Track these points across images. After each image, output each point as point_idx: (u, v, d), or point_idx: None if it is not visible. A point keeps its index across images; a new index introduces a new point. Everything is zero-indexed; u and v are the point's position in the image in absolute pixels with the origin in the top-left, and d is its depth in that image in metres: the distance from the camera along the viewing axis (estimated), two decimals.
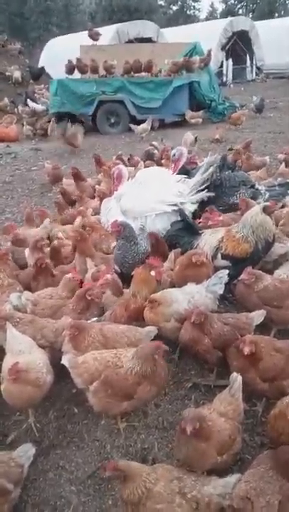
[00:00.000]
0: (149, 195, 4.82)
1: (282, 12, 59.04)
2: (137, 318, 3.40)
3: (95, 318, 3.41)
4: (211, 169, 4.75)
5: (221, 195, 5.03)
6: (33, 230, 5.43)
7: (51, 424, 3.09)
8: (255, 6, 63.38)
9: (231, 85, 26.81)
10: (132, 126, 13.03)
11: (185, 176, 5.21)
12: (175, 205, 4.73)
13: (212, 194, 4.80)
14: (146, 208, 4.80)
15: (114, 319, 3.39)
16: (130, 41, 22.30)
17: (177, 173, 5.45)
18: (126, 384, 2.63)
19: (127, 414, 2.98)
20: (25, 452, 2.55)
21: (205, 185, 4.92)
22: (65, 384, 3.22)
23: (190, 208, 4.73)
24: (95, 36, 16.27)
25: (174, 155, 5.76)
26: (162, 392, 3.15)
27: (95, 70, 15.00)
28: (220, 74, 26.45)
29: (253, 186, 5.27)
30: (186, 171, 5.56)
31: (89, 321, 3.29)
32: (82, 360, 2.76)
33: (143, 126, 12.92)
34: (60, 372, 2.96)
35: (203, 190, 4.96)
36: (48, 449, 2.91)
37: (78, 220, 5.39)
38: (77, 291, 3.50)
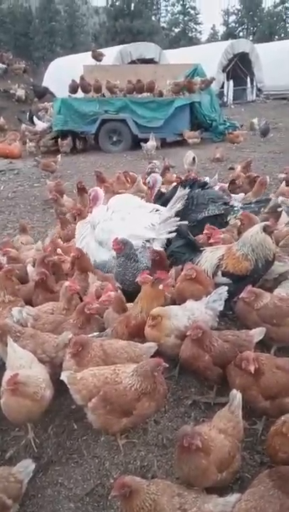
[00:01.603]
0: (122, 227, 4.82)
1: (282, 35, 60.18)
2: (138, 334, 3.41)
3: (95, 334, 3.42)
4: (179, 205, 4.83)
5: (189, 212, 5.13)
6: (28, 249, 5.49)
7: (50, 440, 3.08)
8: (255, 28, 64.70)
9: (232, 106, 27.25)
10: (142, 144, 13.24)
11: (158, 207, 5.31)
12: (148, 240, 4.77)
13: (185, 223, 4.86)
14: None
15: (116, 336, 3.40)
16: (133, 62, 22.74)
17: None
18: (125, 400, 2.63)
19: (127, 431, 2.97)
20: (25, 468, 2.54)
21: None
22: (64, 399, 3.21)
23: (162, 237, 4.76)
24: (98, 57, 16.61)
25: (149, 182, 6.16)
26: (162, 408, 3.14)
27: (98, 90, 15.29)
28: (221, 95, 26.90)
29: (226, 203, 5.40)
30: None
31: (90, 336, 3.31)
32: (81, 377, 2.77)
33: (151, 143, 13.12)
34: (60, 388, 2.96)
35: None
36: (47, 465, 2.90)
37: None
38: (78, 306, 3.52)
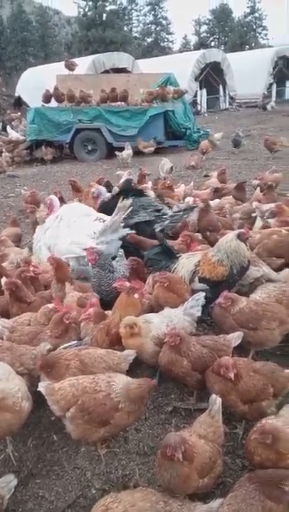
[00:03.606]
0: (66, 234, 5.18)
1: (253, 44, 61.53)
2: (118, 342, 3.40)
3: (74, 342, 3.40)
4: (117, 217, 4.94)
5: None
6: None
7: (30, 452, 3.03)
8: (227, 38, 65.92)
9: (206, 114, 27.69)
10: (117, 153, 13.31)
11: (102, 216, 5.56)
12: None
13: (132, 232, 5.10)
14: (63, 248, 5.10)
15: (96, 344, 3.39)
16: (106, 71, 22.88)
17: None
18: (104, 409, 2.61)
19: (107, 440, 2.95)
20: (7, 483, 2.49)
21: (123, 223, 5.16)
22: (44, 411, 3.18)
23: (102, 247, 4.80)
24: (71, 66, 16.65)
25: (94, 193, 6.72)
26: (142, 416, 3.14)
27: (71, 99, 15.32)
28: (194, 103, 27.31)
29: (158, 210, 5.75)
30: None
31: (67, 345, 3.29)
32: (59, 387, 2.74)
33: (126, 152, 13.18)
34: (39, 400, 2.92)
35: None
36: (27, 479, 2.85)
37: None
38: (53, 317, 3.49)
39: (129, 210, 5.23)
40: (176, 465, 2.35)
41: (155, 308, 3.83)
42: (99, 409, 2.62)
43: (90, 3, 51.55)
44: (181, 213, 5.71)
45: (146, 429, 3.13)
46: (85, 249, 4.61)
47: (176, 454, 2.30)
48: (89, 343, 3.40)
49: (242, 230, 3.98)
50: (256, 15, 65.97)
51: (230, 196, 7.37)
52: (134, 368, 3.31)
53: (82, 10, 52.29)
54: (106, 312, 3.74)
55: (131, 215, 5.30)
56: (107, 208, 5.78)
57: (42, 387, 2.76)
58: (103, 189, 6.83)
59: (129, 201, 5.19)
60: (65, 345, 3.31)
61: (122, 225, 5.05)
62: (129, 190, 6.07)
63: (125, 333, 3.27)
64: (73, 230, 5.27)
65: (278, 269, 4.32)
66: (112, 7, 55.49)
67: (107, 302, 3.95)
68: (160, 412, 3.27)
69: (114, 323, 3.42)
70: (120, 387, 2.70)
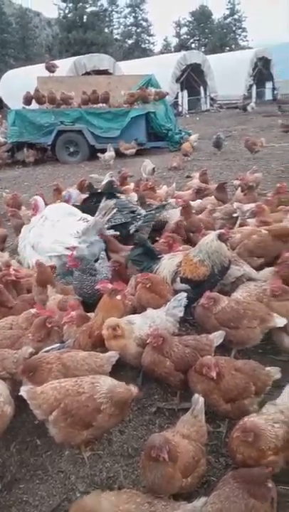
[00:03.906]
0: (50, 233, 5.25)
1: (233, 46, 62.14)
2: (101, 344, 3.40)
3: (56, 345, 3.38)
4: (99, 217, 5.05)
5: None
6: None
7: (13, 457, 3.00)
8: (207, 40, 66.43)
9: (187, 115, 27.83)
10: (99, 154, 13.29)
11: (86, 216, 5.61)
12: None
13: (117, 233, 5.27)
14: (46, 247, 5.16)
15: (78, 347, 3.38)
16: (87, 73, 22.86)
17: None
18: (86, 411, 2.61)
19: (91, 442, 2.94)
20: None
21: (107, 225, 5.29)
22: (26, 416, 3.15)
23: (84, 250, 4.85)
24: (51, 68, 16.58)
25: (65, 196, 6.93)
26: (126, 418, 3.14)
27: (52, 101, 15.26)
28: (176, 105, 27.44)
29: (133, 211, 5.84)
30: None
31: (49, 348, 3.27)
32: (41, 391, 2.72)
33: (109, 153, 13.18)
34: (22, 404, 2.90)
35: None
36: (11, 484, 2.82)
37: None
38: (35, 320, 3.47)
39: (113, 212, 5.27)
40: (160, 465, 2.35)
41: (138, 309, 3.84)
42: (81, 412, 2.61)
43: (71, 4, 51.51)
44: (153, 212, 5.79)
45: (130, 430, 3.13)
46: (68, 248, 4.64)
47: (161, 454, 2.30)
48: (71, 346, 3.39)
49: (222, 231, 4.03)
50: (235, 17, 66.69)
51: (212, 197, 7.42)
52: (118, 370, 3.30)
53: (62, 12, 52.27)
54: (89, 314, 3.73)
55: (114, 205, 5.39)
56: (84, 211, 5.85)
57: (24, 391, 2.74)
58: (74, 192, 7.03)
59: (112, 201, 5.21)
60: (47, 348, 3.29)
61: (106, 226, 5.07)
62: (101, 193, 6.20)
63: (108, 335, 3.27)
64: (57, 229, 5.30)
65: (259, 269, 4.37)
66: (93, 9, 55.56)
67: (89, 304, 3.95)
68: (144, 413, 3.27)
69: (96, 325, 3.42)
70: (105, 388, 2.70)
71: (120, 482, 2.77)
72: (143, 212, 5.88)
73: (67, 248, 4.85)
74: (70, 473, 2.86)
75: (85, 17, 51.78)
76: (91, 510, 2.24)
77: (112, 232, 5.26)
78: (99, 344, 3.37)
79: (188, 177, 10.67)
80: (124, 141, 14.39)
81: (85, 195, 7.05)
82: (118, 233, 5.30)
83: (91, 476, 2.82)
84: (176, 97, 28.70)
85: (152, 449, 2.33)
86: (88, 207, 5.92)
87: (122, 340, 3.28)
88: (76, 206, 6.19)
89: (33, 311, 3.68)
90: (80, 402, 2.63)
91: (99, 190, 6.96)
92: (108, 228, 5.26)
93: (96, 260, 4.49)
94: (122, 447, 3.00)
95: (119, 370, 3.42)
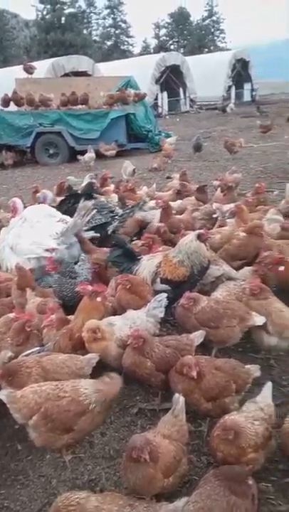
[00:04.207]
0: (29, 234, 5.22)
1: (212, 47, 62.65)
2: (82, 346, 3.38)
3: (36, 349, 3.35)
4: (78, 218, 5.02)
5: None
6: None
7: None
8: (186, 41, 66.81)
9: (167, 116, 27.94)
10: (79, 156, 13.25)
11: (65, 217, 5.63)
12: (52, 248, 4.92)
13: (97, 235, 5.31)
14: (25, 248, 5.12)
15: (58, 350, 3.35)
16: (66, 75, 22.77)
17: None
18: (67, 416, 2.59)
19: (73, 446, 2.92)
20: None
21: (86, 227, 5.31)
22: (7, 420, 3.11)
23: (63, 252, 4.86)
24: (29, 70, 16.45)
25: (40, 198, 6.98)
26: (107, 420, 3.13)
27: (31, 103, 15.15)
28: (155, 106, 27.53)
29: (112, 211, 5.94)
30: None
31: (28, 352, 3.24)
32: (21, 395, 2.69)
33: (89, 155, 13.14)
34: (2, 409, 2.87)
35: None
36: None
37: None
38: (14, 324, 3.43)
39: (93, 213, 5.27)
40: (141, 466, 2.35)
41: (118, 310, 3.83)
42: (62, 416, 2.60)
43: (48, 6, 51.23)
44: (128, 211, 5.86)
45: (111, 432, 3.12)
46: (47, 250, 4.61)
47: (142, 455, 2.30)
48: (51, 349, 3.36)
49: (201, 231, 4.05)
50: (214, 18, 67.28)
51: (193, 197, 7.46)
52: (98, 372, 3.28)
53: (40, 13, 51.90)
54: (69, 317, 3.71)
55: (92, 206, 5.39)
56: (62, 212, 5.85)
57: (3, 395, 2.71)
58: (49, 194, 7.03)
59: (90, 202, 5.21)
60: (27, 352, 3.26)
61: (86, 228, 5.07)
62: (78, 194, 6.24)
63: (88, 337, 3.25)
64: (36, 230, 5.27)
65: (239, 268, 4.41)
66: (71, 10, 55.34)
67: (69, 307, 3.93)
68: (125, 415, 3.27)
69: (76, 328, 3.40)
70: (91, 390, 2.69)
71: (102, 484, 2.76)
72: (120, 211, 5.94)
73: (47, 250, 4.82)
74: (51, 477, 2.84)
75: (63, 18, 51.58)
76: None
77: (91, 233, 5.25)
78: (79, 347, 3.35)
79: (168, 178, 10.71)
80: (104, 142, 14.37)
81: (62, 197, 7.03)
82: (98, 235, 5.29)
83: (73, 480, 2.81)
84: (156, 99, 28.80)
85: (133, 450, 2.33)
86: (67, 208, 5.90)
87: (102, 342, 3.27)
88: (55, 207, 6.18)
89: (11, 315, 3.64)
90: (61, 407, 2.61)
91: (78, 192, 6.96)
92: (88, 229, 5.25)
93: (76, 262, 4.47)
94: (103, 449, 2.99)
95: (100, 372, 3.39)
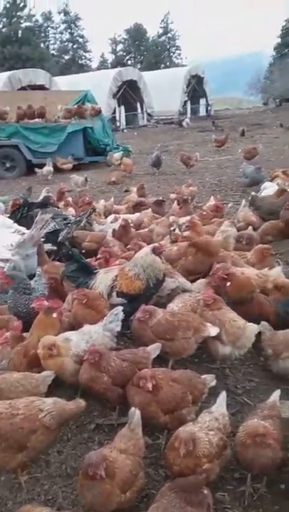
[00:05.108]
0: None
1: (168, 63, 63.99)
2: (37, 364, 3.33)
3: None
4: (35, 230, 5.06)
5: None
6: None
7: None
8: (142, 57, 67.93)
9: (125, 130, 28.20)
10: (37, 169, 13.11)
11: (21, 228, 5.67)
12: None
13: (54, 248, 5.37)
14: None
15: (13, 368, 3.29)
16: (23, 88, 22.62)
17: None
18: (21, 434, 2.54)
19: (28, 466, 2.86)
20: None
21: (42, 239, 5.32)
22: None
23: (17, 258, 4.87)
24: None
25: None
26: (64, 438, 3.09)
27: None
28: (113, 120, 27.77)
29: (65, 219, 6.08)
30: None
31: None
32: None
33: (47, 168, 13.10)
34: None
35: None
36: None
37: None
38: None
39: (51, 226, 5.26)
40: (97, 483, 2.33)
41: (75, 325, 3.80)
42: (16, 434, 2.54)
43: (5, 19, 50.90)
44: (77, 219, 5.99)
45: (68, 449, 3.08)
46: (1, 260, 4.55)
47: (98, 472, 2.28)
48: (6, 368, 3.29)
49: (156, 245, 4.10)
50: (169, 35, 68.83)
51: (150, 210, 7.55)
52: (54, 389, 3.24)
53: None
54: (24, 334, 3.65)
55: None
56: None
57: None
58: (1, 204, 7.15)
59: (48, 215, 5.20)
60: None
61: (43, 240, 5.04)
62: (31, 203, 6.37)
63: (44, 354, 3.21)
64: None
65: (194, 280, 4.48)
66: (28, 24, 55.18)
67: (25, 323, 3.86)
68: (83, 431, 3.23)
69: (32, 345, 3.35)
70: (49, 406, 2.66)
71: (59, 504, 2.71)
72: (72, 218, 6.05)
73: (0, 260, 4.75)
74: (6, 499, 2.77)
75: (19, 32, 51.33)
76: None
77: (49, 246, 5.23)
78: (35, 364, 3.30)
79: (126, 191, 10.80)
80: (61, 156, 14.34)
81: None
82: (55, 248, 5.27)
83: (29, 501, 2.73)
84: (114, 113, 29.08)
85: (89, 467, 2.31)
86: (21, 216, 5.88)
87: (58, 359, 3.23)
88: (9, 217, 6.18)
89: None
90: (14, 425, 2.56)
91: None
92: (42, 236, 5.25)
93: (32, 276, 4.43)
94: (60, 468, 2.95)
95: (56, 389, 3.35)
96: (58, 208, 7.05)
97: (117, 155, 14.72)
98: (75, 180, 10.78)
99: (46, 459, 2.99)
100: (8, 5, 52.63)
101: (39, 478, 2.88)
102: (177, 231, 5.93)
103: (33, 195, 9.98)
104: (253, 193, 8.02)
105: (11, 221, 5.90)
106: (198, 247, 4.63)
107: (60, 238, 5.47)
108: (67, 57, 66.50)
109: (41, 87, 23.09)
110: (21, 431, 2.55)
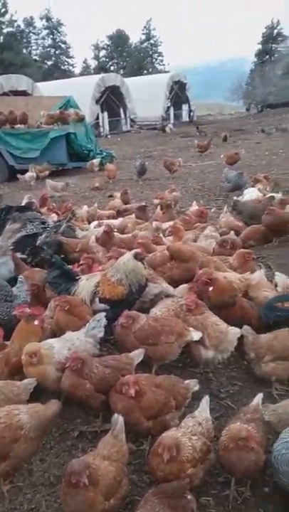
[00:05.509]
0: None
1: (150, 69, 64.38)
2: (19, 371, 3.30)
3: None
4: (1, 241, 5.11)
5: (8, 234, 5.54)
6: None
7: None
8: (125, 63, 68.24)
9: (108, 136, 28.26)
10: (19, 175, 13.08)
11: None
12: None
13: (24, 257, 5.31)
14: None
15: None
16: (5, 94, 22.49)
17: None
18: (2, 442, 2.52)
19: (11, 475, 2.83)
20: None
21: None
22: None
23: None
24: None
25: None
26: (47, 446, 3.06)
27: None
28: (96, 125, 27.82)
29: (44, 223, 6.02)
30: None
31: None
32: None
33: (29, 174, 13.03)
34: None
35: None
36: None
37: None
38: None
39: (29, 229, 5.23)
40: (80, 491, 2.31)
41: (57, 332, 3.78)
42: None
43: None
44: (57, 224, 5.99)
45: (51, 458, 3.05)
46: None
47: (81, 480, 2.26)
48: None
49: (138, 250, 4.11)
50: (152, 41, 69.31)
51: (133, 215, 7.56)
52: (36, 396, 3.21)
53: None
54: (6, 342, 3.61)
55: (17, 230, 5.41)
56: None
57: None
58: None
59: (16, 225, 5.20)
60: None
61: (11, 248, 5.01)
62: (10, 207, 6.19)
63: (26, 361, 3.19)
64: None
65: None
66: (10, 29, 55.01)
67: (7, 331, 3.82)
68: (66, 439, 3.20)
69: (13, 352, 3.33)
70: (27, 416, 2.62)
71: None
72: (51, 222, 6.04)
73: None
74: None
75: (1, 37, 51.16)
76: None
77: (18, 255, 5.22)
78: (16, 372, 3.27)
79: (110, 196, 10.80)
80: (45, 161, 14.28)
81: None
82: (25, 257, 5.30)
83: (11, 510, 2.71)
84: (97, 118, 29.12)
85: (72, 475, 2.29)
86: None
87: (40, 366, 3.21)
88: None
89: None
90: None
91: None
92: (20, 238, 5.29)
93: (14, 280, 4.40)
94: (43, 476, 2.91)
95: (38, 396, 3.32)
96: (40, 213, 7.00)
97: (96, 161, 14.74)
98: (51, 185, 10.77)
99: (29, 467, 2.95)
100: None
101: (22, 487, 2.85)
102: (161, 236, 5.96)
103: (16, 201, 9.93)
104: (234, 198, 8.10)
105: None
106: (170, 253, 4.70)
107: (38, 242, 5.44)
108: (49, 62, 66.41)
109: (23, 93, 23.03)
110: (3, 440, 2.52)
